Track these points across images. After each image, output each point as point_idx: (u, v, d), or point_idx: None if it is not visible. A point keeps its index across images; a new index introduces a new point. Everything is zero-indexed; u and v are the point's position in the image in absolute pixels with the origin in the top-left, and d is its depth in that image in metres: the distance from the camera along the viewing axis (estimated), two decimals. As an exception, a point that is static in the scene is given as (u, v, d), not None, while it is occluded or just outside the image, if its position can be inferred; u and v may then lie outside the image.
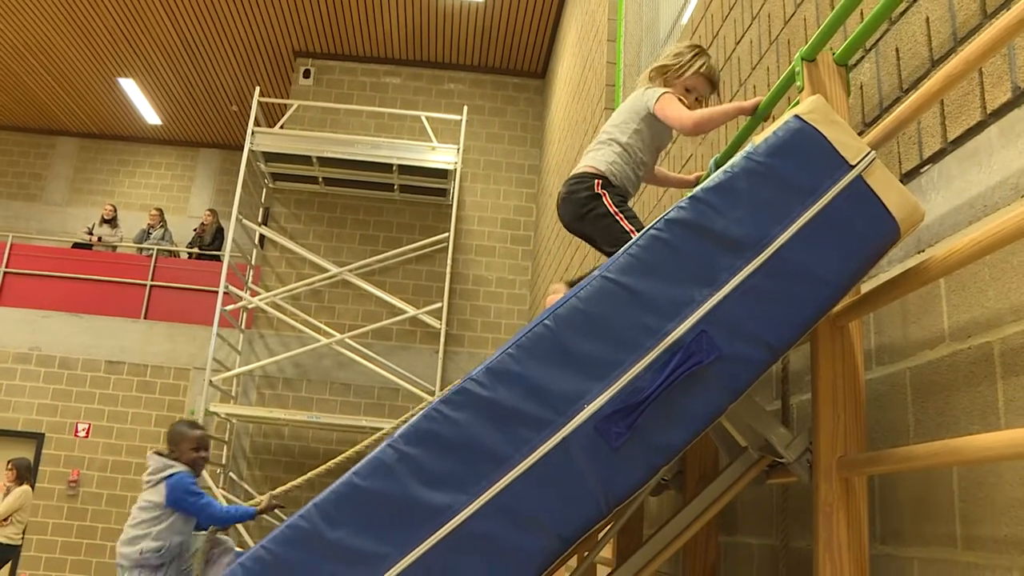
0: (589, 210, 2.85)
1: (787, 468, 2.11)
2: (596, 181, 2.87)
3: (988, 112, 1.85)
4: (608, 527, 2.26)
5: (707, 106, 2.99)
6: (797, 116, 1.81)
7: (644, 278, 1.67)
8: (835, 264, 1.74)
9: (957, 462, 1.78)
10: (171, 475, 4.19)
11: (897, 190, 1.80)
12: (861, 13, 2.41)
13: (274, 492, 4.71)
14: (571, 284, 2.89)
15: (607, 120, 3.07)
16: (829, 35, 2.34)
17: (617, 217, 2.78)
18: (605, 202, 2.81)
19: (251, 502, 4.74)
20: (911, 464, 1.76)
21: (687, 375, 1.59)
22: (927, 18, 2.13)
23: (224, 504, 4.23)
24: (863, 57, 2.48)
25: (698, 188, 1.75)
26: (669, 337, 1.63)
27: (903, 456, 1.75)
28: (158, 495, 4.20)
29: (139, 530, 4.18)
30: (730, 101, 3.60)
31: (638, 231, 2.60)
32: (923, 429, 2.00)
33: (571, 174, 3.00)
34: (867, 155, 1.80)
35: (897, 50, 2.28)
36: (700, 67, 2.95)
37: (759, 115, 2.67)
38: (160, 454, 4.36)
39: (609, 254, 2.71)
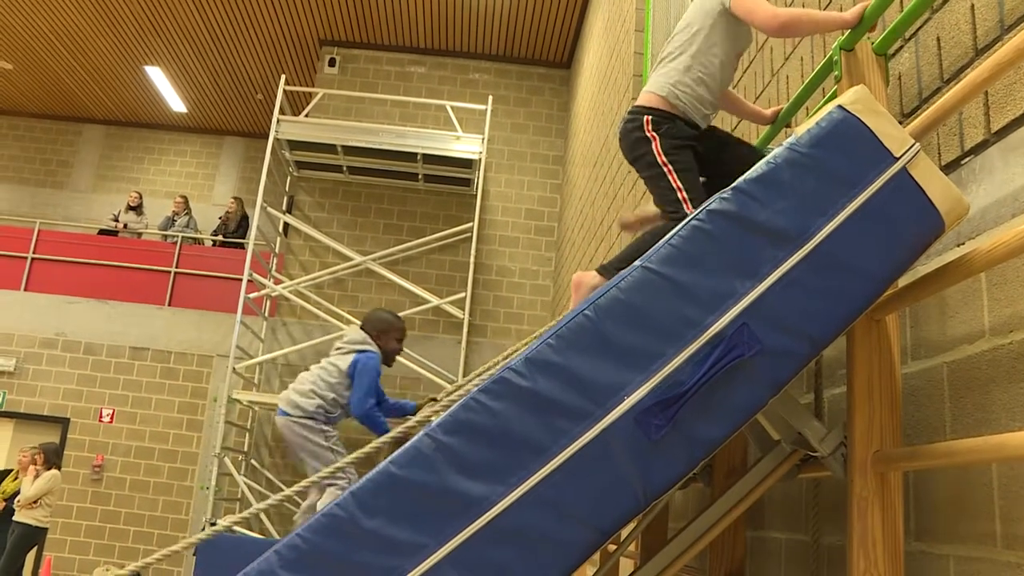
0: (640, 155, 2.50)
1: (820, 462, 2.09)
2: (646, 119, 2.50)
3: (1035, 102, 1.82)
4: (636, 522, 2.25)
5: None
6: (840, 107, 1.78)
7: (686, 269, 1.65)
8: (878, 257, 1.71)
9: (998, 459, 1.74)
10: (365, 351, 4.26)
11: (941, 182, 1.77)
12: (901, 2, 2.37)
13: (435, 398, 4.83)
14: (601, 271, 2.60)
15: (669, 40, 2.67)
16: (868, 25, 2.31)
17: (666, 170, 2.43)
18: (655, 149, 2.46)
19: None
20: (950, 460, 1.73)
21: (728, 368, 1.57)
22: (972, 5, 2.09)
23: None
24: (902, 47, 2.44)
25: (741, 179, 1.72)
26: (711, 329, 1.61)
27: (942, 452, 1.72)
28: (344, 363, 4.32)
29: (316, 387, 4.30)
30: (761, 91, 3.57)
31: (688, 189, 2.39)
32: (960, 425, 1.97)
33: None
34: (912, 147, 1.77)
35: (938, 39, 2.24)
36: None
37: (863, 26, 2.27)
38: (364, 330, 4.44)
39: (667, 213, 2.47)
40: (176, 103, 14.21)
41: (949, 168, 2.15)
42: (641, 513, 1.58)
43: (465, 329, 9.92)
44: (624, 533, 2.80)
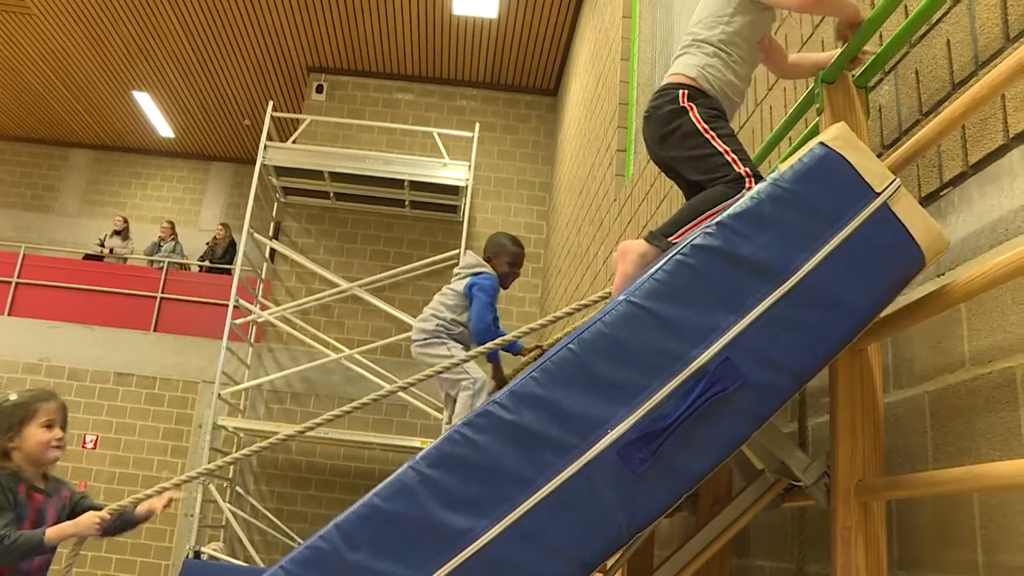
0: (674, 128, 2.34)
1: (803, 492, 2.10)
2: (682, 92, 2.36)
3: (1011, 136, 1.85)
4: (622, 551, 2.25)
5: None
6: (822, 143, 1.81)
7: (670, 303, 1.66)
8: (860, 292, 1.73)
9: (980, 488, 1.76)
10: (480, 272, 4.31)
11: (922, 217, 1.79)
12: (880, 36, 2.40)
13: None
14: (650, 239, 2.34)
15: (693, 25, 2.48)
16: (848, 58, 2.35)
17: (708, 136, 2.28)
18: (692, 117, 2.31)
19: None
20: (932, 490, 1.75)
21: (711, 402, 1.58)
22: (948, 41, 2.13)
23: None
24: (882, 79, 2.48)
25: (724, 214, 1.74)
26: (694, 363, 1.62)
27: (925, 481, 1.73)
28: (461, 286, 4.34)
29: (435, 311, 4.33)
30: (744, 122, 3.60)
31: (736, 151, 2.26)
32: (942, 454, 1.98)
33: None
34: (892, 182, 1.79)
35: (917, 73, 2.28)
36: None
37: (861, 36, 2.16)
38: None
39: (696, 190, 2.32)
40: (164, 128, 14.23)
41: (929, 199, 2.18)
42: (625, 545, 1.58)
43: (452, 355, 9.89)
44: (610, 562, 2.79)
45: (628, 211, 5.59)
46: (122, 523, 2.92)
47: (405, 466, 1.57)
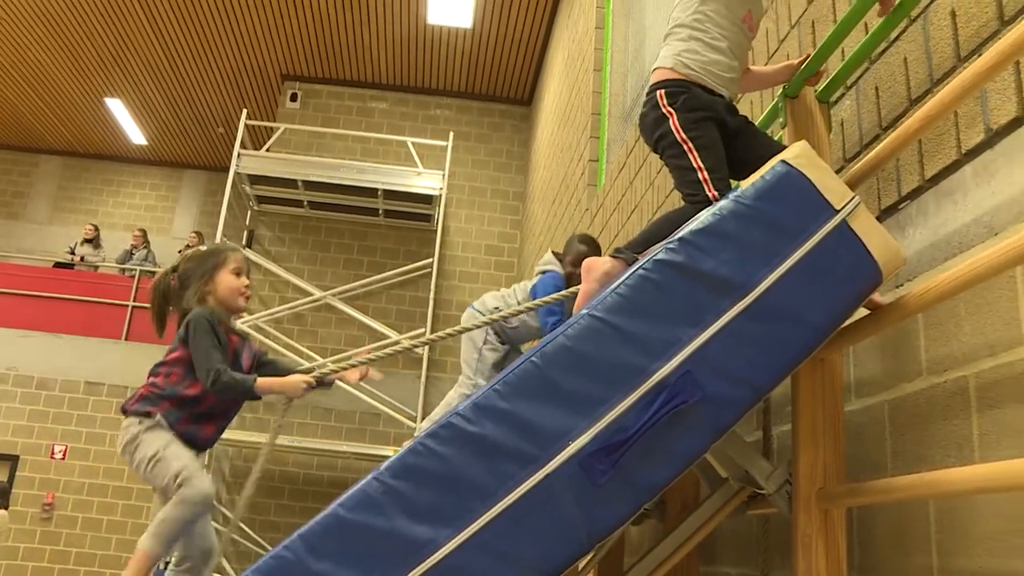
0: (660, 136, 2.29)
1: (767, 499, 2.14)
2: (659, 93, 2.30)
3: (963, 152, 1.90)
4: (587, 560, 2.28)
5: None
6: (784, 161, 1.85)
7: (632, 318, 1.69)
8: (819, 307, 1.76)
9: (934, 495, 1.81)
10: (546, 271, 4.22)
11: (880, 234, 1.83)
12: (843, 52, 2.46)
13: None
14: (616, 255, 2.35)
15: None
16: (810, 73, 2.40)
17: (687, 148, 2.22)
18: (672, 126, 2.25)
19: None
20: (890, 496, 1.79)
21: (671, 414, 1.61)
22: (905, 59, 2.18)
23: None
24: (844, 94, 2.53)
25: (686, 230, 1.77)
26: (654, 376, 1.65)
27: (882, 488, 1.77)
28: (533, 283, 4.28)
29: (505, 296, 4.29)
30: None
31: (710, 168, 2.20)
32: (901, 461, 2.03)
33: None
34: (852, 200, 1.83)
35: (877, 88, 2.33)
36: None
37: (864, 5, 2.09)
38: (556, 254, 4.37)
39: (685, 197, 2.25)
40: (136, 135, 14.13)
41: (888, 212, 2.23)
42: (586, 555, 1.61)
43: (424, 364, 9.90)
44: (581, 563, 2.82)
45: (600, 221, 5.63)
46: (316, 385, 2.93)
47: (369, 476, 1.59)
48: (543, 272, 4.25)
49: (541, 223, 8.77)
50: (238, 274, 2.95)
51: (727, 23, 2.34)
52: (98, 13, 10.40)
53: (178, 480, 2.59)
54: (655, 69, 2.38)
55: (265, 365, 3.00)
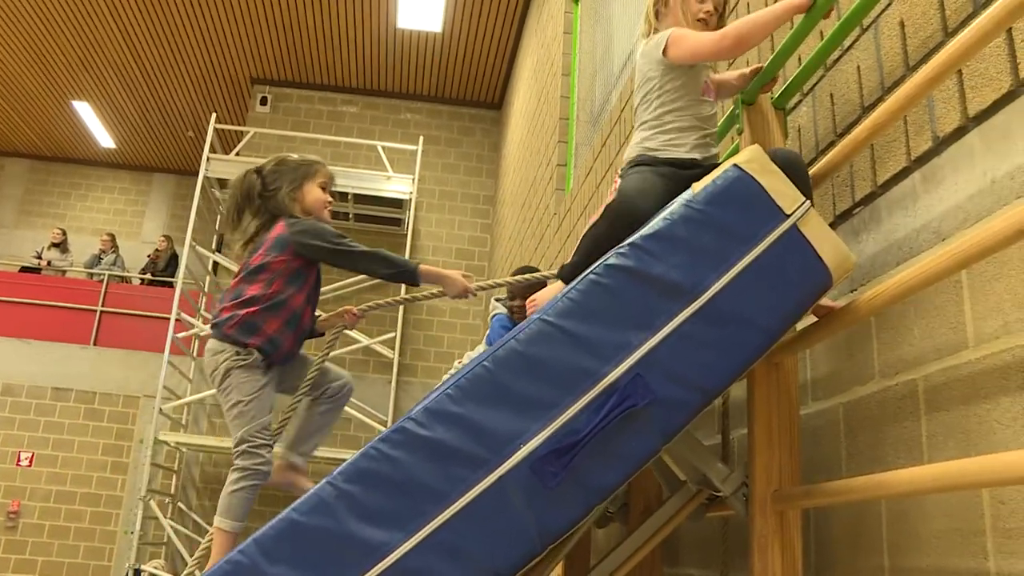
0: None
1: (725, 502, 2.16)
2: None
3: (912, 159, 1.94)
4: (545, 562, 2.29)
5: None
6: (736, 165, 1.87)
7: (582, 322, 1.70)
8: (768, 310, 1.78)
9: (885, 495, 1.84)
10: (495, 315, 4.17)
11: (830, 239, 1.86)
12: (799, 58, 2.49)
13: None
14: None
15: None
16: (767, 79, 2.43)
17: None
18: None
19: None
20: (842, 497, 1.82)
21: (621, 417, 1.62)
22: (858, 66, 2.22)
23: None
24: (800, 101, 2.57)
25: (638, 235, 1.79)
26: (605, 380, 1.66)
27: (835, 490, 1.80)
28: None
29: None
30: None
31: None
32: (855, 463, 2.06)
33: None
34: (802, 204, 1.86)
35: (831, 95, 2.37)
36: None
37: (818, 10, 2.11)
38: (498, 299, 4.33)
39: None
40: (104, 139, 14.00)
41: (843, 218, 2.26)
42: (539, 556, 1.62)
43: (395, 369, 9.88)
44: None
45: (568, 225, 5.66)
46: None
47: (323, 481, 1.59)
48: (493, 317, 4.28)
49: (511, 227, 8.79)
50: (324, 188, 3.01)
51: (685, 102, 2.30)
52: (64, 14, 10.30)
53: (244, 446, 2.62)
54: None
55: None
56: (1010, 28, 1.63)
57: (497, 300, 4.24)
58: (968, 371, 1.68)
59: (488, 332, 4.21)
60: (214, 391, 2.71)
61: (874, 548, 1.93)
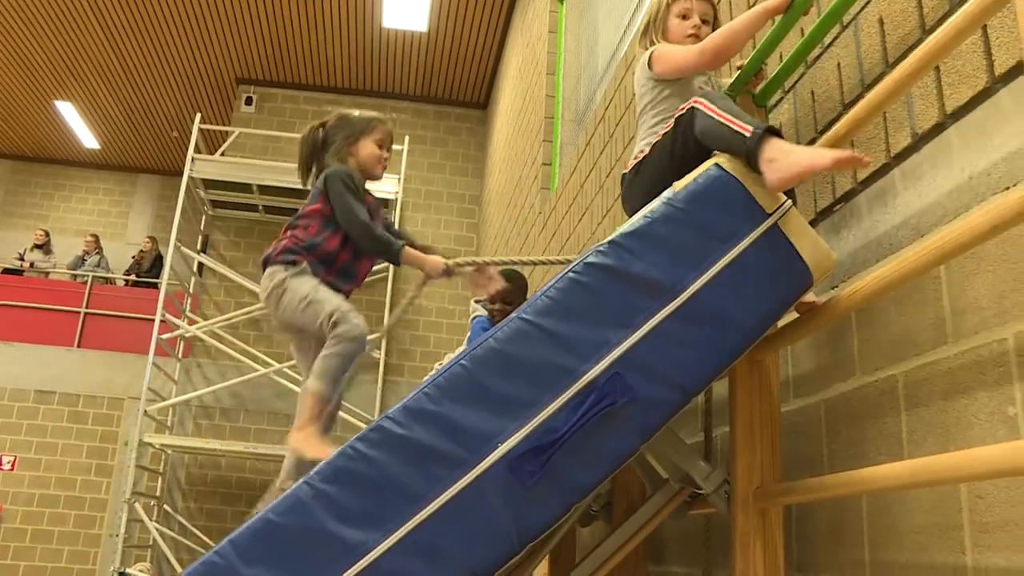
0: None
1: (707, 499, 2.16)
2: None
3: (892, 155, 1.94)
4: (527, 560, 2.29)
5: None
6: (717, 164, 1.87)
7: (561, 320, 1.69)
8: (749, 309, 1.78)
9: (865, 491, 1.84)
10: (476, 317, 4.25)
11: (810, 238, 1.86)
12: (780, 55, 2.49)
13: None
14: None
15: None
16: (749, 75, 2.43)
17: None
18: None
19: None
20: (823, 494, 1.82)
21: (600, 415, 1.62)
22: (839, 64, 2.23)
23: None
24: (782, 98, 2.57)
25: (618, 232, 1.78)
26: (584, 378, 1.65)
27: (815, 486, 1.81)
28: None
29: None
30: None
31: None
32: (836, 459, 2.06)
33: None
34: (783, 204, 1.86)
35: (812, 92, 2.38)
36: None
37: (796, 10, 2.12)
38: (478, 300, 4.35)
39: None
40: (88, 139, 13.92)
41: (824, 215, 2.27)
42: (517, 555, 1.62)
43: (381, 368, 9.86)
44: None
45: (552, 224, 5.66)
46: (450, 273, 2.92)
47: (300, 481, 1.58)
48: (474, 319, 4.27)
49: (496, 226, 8.79)
50: (380, 145, 3.01)
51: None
52: (47, 14, 10.23)
53: (333, 318, 2.61)
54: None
55: (398, 236, 3.00)
56: (985, 25, 1.64)
57: (477, 302, 4.24)
58: (947, 366, 1.68)
59: (469, 334, 4.21)
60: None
61: (855, 543, 1.93)
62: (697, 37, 2.37)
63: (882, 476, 1.54)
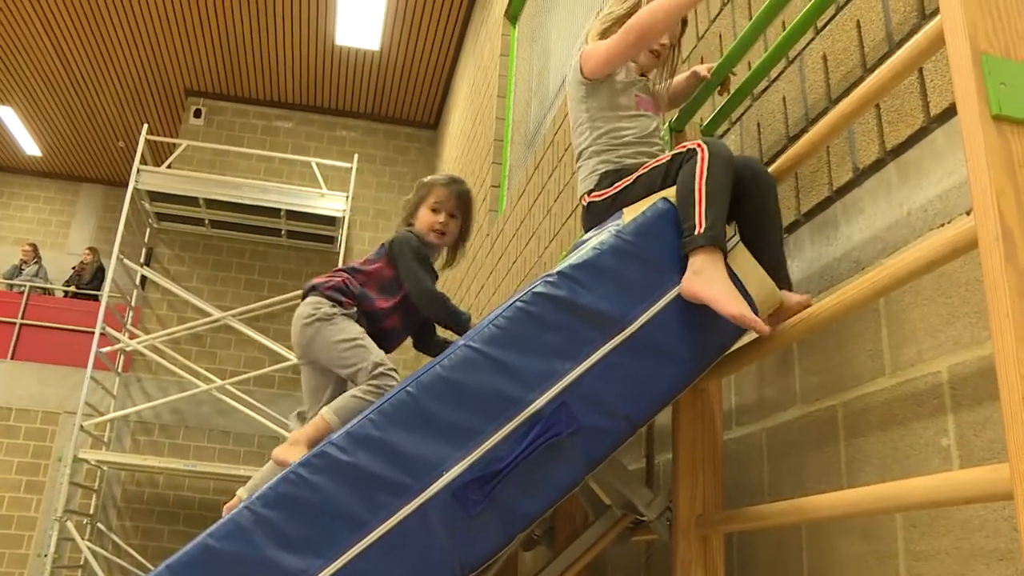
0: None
1: (650, 526, 2.17)
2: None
3: (834, 189, 1.99)
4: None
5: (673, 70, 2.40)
6: (665, 198, 1.89)
7: (508, 349, 1.69)
8: (694, 342, 1.79)
9: (804, 520, 1.87)
10: None
11: (757, 273, 1.88)
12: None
13: None
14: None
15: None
16: (697, 107, 2.47)
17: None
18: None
19: None
20: (764, 523, 1.84)
21: (545, 446, 1.62)
22: (784, 97, 2.27)
23: None
24: (729, 129, 2.61)
25: (567, 264, 1.79)
26: (529, 408, 1.65)
27: (756, 515, 1.82)
28: None
29: None
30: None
31: None
32: (777, 488, 2.09)
33: None
34: (731, 238, 1.88)
35: (759, 125, 2.42)
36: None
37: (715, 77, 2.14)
38: None
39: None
40: (29, 146, 13.61)
41: (768, 245, 2.30)
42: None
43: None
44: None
45: (500, 246, 5.67)
46: None
47: (240, 506, 1.56)
48: None
49: (446, 246, 8.76)
50: (435, 211, 2.88)
51: (619, 119, 2.27)
52: (-11, 19, 10.02)
53: (379, 370, 2.54)
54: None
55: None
56: (921, 68, 1.69)
57: None
58: (884, 397, 1.72)
59: None
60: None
61: (795, 571, 1.95)
62: (658, 56, 2.35)
63: (822, 505, 1.56)
